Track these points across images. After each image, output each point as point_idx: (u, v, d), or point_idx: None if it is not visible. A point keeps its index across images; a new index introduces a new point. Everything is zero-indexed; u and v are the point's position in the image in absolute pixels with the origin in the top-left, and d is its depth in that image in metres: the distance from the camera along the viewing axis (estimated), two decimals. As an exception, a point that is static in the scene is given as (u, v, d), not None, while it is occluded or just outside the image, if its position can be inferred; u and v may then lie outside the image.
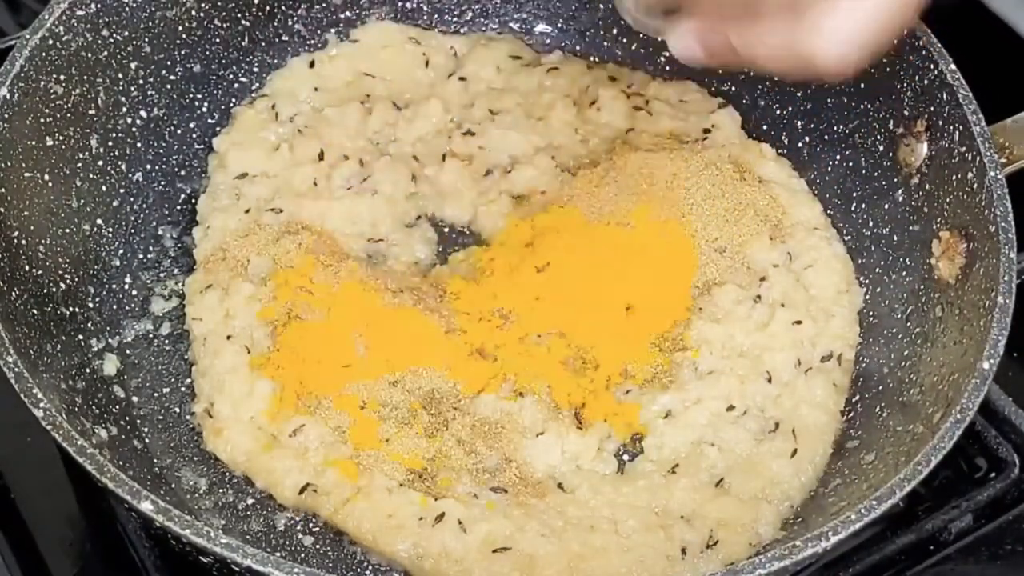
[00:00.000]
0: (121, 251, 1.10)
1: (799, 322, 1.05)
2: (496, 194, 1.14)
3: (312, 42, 1.23)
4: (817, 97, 1.14)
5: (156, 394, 1.04)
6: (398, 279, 1.08)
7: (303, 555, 0.96)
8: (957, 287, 0.99)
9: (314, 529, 0.97)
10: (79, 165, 1.06)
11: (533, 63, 1.23)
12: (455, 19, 1.27)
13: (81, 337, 1.02)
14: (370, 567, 0.95)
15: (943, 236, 1.02)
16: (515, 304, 1.06)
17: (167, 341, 1.07)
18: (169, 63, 1.13)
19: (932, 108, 1.03)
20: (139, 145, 1.12)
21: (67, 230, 1.04)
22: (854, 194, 1.12)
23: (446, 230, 1.15)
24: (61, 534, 0.99)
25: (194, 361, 1.04)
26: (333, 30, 1.23)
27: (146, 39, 1.10)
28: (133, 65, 1.10)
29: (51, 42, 1.01)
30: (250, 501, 0.98)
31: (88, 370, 1.00)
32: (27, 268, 0.97)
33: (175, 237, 1.13)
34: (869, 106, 1.10)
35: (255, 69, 1.20)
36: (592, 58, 1.26)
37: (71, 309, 1.02)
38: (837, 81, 0.82)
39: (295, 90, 1.19)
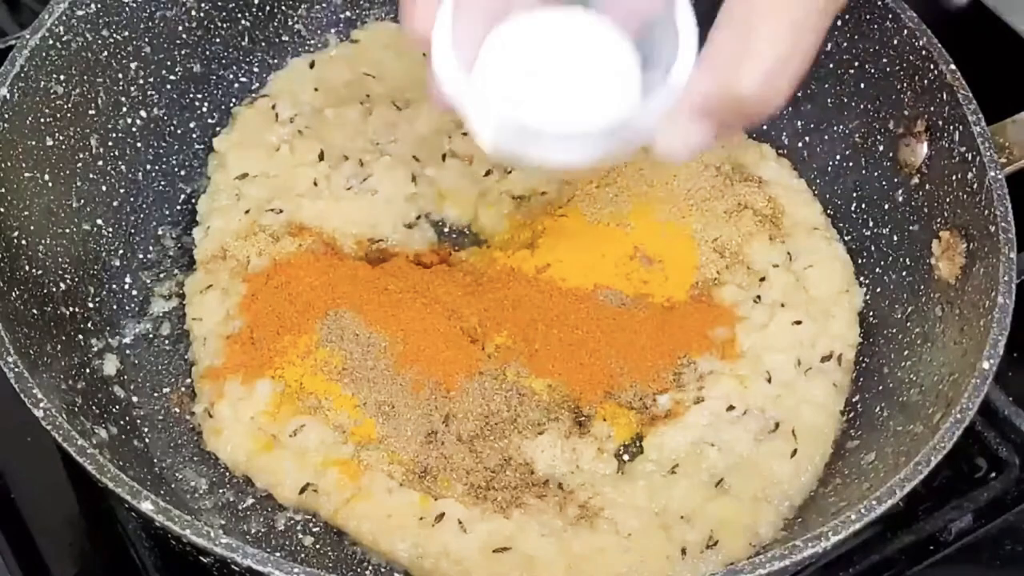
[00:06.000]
0: (121, 251, 1.10)
1: (799, 322, 1.05)
2: (496, 194, 1.14)
3: (312, 42, 1.23)
4: (817, 97, 1.14)
5: (156, 394, 1.03)
6: (398, 279, 1.08)
7: (303, 555, 0.95)
8: (957, 287, 0.99)
9: (314, 529, 0.97)
10: (79, 165, 1.06)
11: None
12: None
13: (81, 337, 1.02)
14: (370, 567, 0.95)
15: (943, 236, 1.02)
16: (515, 304, 1.06)
17: (167, 341, 1.07)
18: (169, 63, 1.13)
19: (932, 108, 1.03)
20: (139, 145, 1.12)
21: (67, 230, 1.04)
22: (854, 194, 1.12)
23: (446, 230, 1.15)
24: (61, 534, 0.99)
25: (194, 361, 1.04)
26: (333, 30, 1.23)
27: (146, 39, 1.10)
28: (133, 65, 1.10)
29: (51, 42, 1.01)
30: (250, 501, 0.98)
31: (88, 370, 1.00)
32: (27, 268, 0.97)
33: (175, 237, 1.13)
34: (869, 106, 1.10)
35: (255, 69, 1.20)
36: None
37: (71, 309, 1.02)
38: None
39: (295, 90, 1.19)
